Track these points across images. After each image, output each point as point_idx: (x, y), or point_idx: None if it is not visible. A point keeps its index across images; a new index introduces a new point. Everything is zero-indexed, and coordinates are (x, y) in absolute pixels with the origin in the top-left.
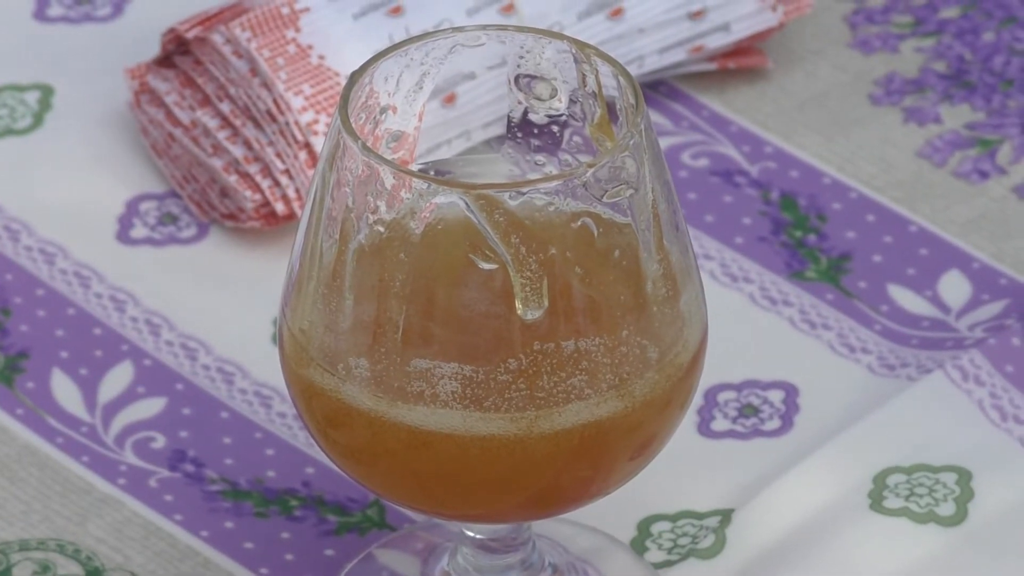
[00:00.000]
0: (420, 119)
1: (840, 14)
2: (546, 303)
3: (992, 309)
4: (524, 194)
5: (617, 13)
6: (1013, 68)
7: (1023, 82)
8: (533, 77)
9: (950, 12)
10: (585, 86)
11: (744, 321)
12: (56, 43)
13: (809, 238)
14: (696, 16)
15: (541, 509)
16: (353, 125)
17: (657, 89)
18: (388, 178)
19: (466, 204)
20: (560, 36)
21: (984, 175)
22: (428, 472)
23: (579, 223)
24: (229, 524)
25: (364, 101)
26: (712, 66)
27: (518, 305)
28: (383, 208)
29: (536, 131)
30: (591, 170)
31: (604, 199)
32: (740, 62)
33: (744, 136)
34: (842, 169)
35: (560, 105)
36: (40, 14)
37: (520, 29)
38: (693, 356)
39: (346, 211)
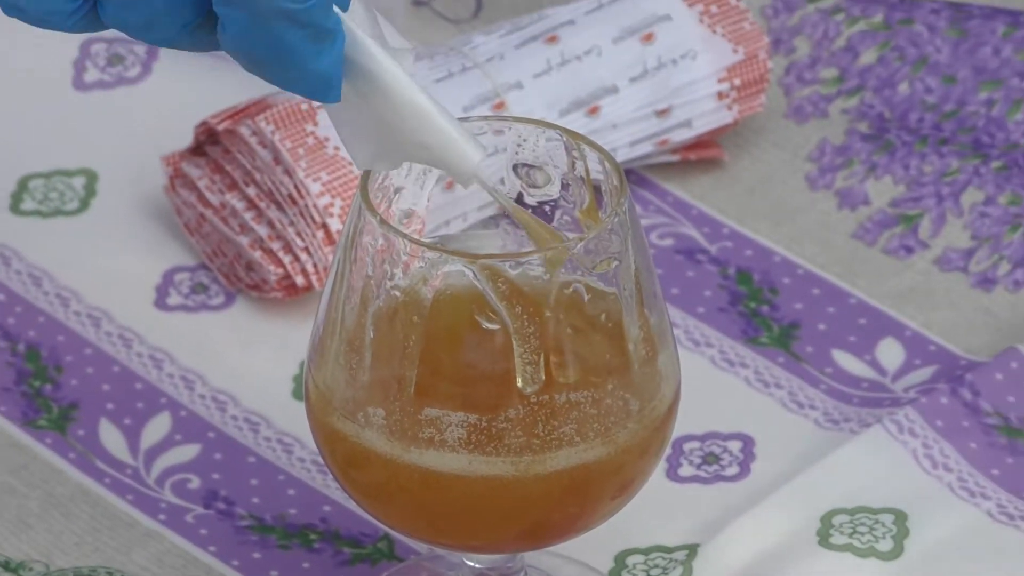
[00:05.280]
0: (429, 200)
1: (776, 77)
2: (543, 378)
3: (923, 373)
4: (522, 264)
5: (594, 111)
6: (926, 125)
7: (935, 139)
8: (531, 167)
9: (869, 56)
10: (574, 170)
11: (706, 381)
12: (97, 129)
13: (762, 308)
14: (662, 114)
15: (533, 541)
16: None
17: (628, 177)
18: (404, 249)
19: (472, 273)
20: (553, 126)
21: (909, 251)
22: (437, 508)
23: (571, 289)
24: (257, 555)
25: (381, 182)
26: (675, 157)
27: (519, 380)
28: (399, 275)
29: (530, 211)
30: (581, 243)
31: (593, 271)
32: (699, 154)
33: (703, 219)
34: (789, 248)
35: (553, 191)
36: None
37: (518, 120)
38: (668, 408)
39: (366, 279)
